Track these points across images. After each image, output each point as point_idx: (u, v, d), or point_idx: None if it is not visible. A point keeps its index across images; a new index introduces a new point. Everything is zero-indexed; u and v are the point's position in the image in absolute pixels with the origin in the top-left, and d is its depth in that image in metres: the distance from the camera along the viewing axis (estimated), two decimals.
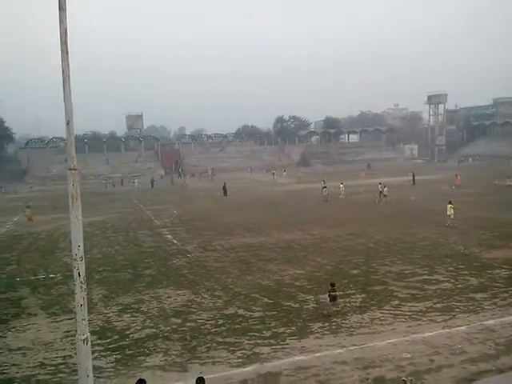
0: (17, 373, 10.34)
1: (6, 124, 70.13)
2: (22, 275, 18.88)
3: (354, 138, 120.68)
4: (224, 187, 45.32)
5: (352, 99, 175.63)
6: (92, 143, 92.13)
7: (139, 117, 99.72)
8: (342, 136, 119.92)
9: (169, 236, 26.36)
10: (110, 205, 41.54)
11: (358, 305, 13.64)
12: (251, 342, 11.36)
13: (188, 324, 12.77)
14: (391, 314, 12.84)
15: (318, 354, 10.55)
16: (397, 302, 13.67)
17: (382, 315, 12.76)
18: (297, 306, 13.80)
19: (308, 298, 14.41)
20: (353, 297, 14.32)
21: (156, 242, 24.74)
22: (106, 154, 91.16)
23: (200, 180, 73.14)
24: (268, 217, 31.45)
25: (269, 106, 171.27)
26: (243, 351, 10.91)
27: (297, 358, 10.39)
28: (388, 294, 14.41)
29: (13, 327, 13.15)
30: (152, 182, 64.30)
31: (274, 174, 68.35)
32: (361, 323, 12.28)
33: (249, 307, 13.86)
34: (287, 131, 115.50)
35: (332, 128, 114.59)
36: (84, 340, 4.84)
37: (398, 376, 9.26)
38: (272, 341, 11.39)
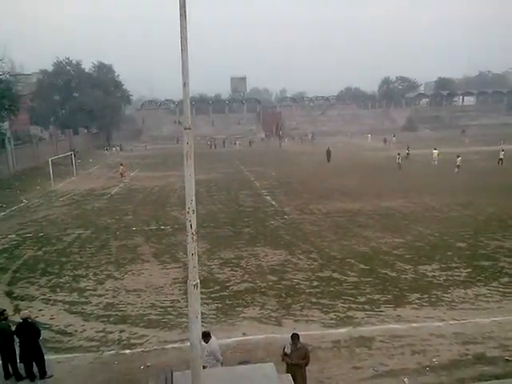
0: (132, 311, 11.69)
1: (124, 87, 75.91)
2: (137, 225, 20.92)
3: (470, 100, 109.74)
4: (328, 151, 44.53)
5: (470, 57, 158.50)
6: (199, 105, 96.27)
7: (243, 79, 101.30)
8: (455, 99, 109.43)
9: (267, 197, 27.04)
10: (214, 165, 43.55)
11: (461, 279, 12.92)
12: (345, 306, 11.47)
13: (283, 282, 13.23)
14: (499, 291, 11.98)
15: (414, 325, 10.33)
16: (506, 280, 12.69)
17: (488, 292, 11.97)
18: (394, 274, 13.49)
19: (407, 267, 13.99)
20: (456, 270, 13.58)
21: (255, 203, 25.57)
22: (211, 115, 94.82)
23: (300, 143, 72.98)
24: (368, 183, 30.54)
25: (374, 67, 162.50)
26: (336, 313, 11.08)
27: (391, 326, 10.29)
28: (497, 271, 13.41)
29: (129, 271, 14.77)
30: (250, 142, 69.85)
31: (385, 140, 63.80)
32: (464, 298, 11.67)
33: (344, 271, 13.89)
34: (393, 93, 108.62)
35: (445, 90, 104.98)
36: (194, 285, 5.30)
37: (500, 355, 8.73)
38: (366, 306, 11.37)
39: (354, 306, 11.47)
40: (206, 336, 7.79)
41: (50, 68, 67.26)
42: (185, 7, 4.81)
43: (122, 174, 36.84)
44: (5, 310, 9.29)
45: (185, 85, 5.12)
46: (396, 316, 10.83)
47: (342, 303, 11.64)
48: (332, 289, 12.61)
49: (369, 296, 11.99)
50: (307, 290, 12.57)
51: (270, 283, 13.21)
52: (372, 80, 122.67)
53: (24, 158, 41.51)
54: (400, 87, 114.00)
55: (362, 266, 14.33)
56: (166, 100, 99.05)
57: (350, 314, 11.04)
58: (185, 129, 5.22)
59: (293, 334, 7.73)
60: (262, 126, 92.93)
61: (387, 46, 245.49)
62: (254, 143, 71.24)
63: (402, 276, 13.35)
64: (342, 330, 10.21)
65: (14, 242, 18.48)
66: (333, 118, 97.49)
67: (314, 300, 11.90)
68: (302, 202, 24.93)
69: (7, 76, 36.76)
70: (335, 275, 13.65)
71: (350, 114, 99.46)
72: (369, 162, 42.69)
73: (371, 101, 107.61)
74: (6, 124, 40.82)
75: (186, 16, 4.81)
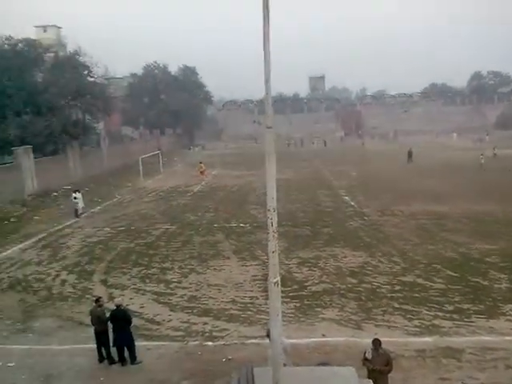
0: (214, 305, 12.12)
1: (206, 88, 78.80)
2: (218, 222, 21.64)
3: None
4: (409, 151, 42.78)
5: None
6: (277, 105, 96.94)
7: (321, 78, 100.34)
8: None
9: (346, 197, 26.54)
10: (292, 164, 43.58)
11: None
12: (431, 313, 10.93)
13: (363, 285, 12.93)
14: None
15: (508, 338, 9.58)
16: None
17: None
18: (486, 283, 12.59)
19: (501, 276, 12.97)
20: None
21: (334, 203, 25.22)
22: (288, 115, 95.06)
23: (381, 142, 70.57)
24: (456, 185, 28.77)
25: (463, 61, 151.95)
26: (421, 321, 10.60)
27: (483, 338, 9.64)
28: None
29: (211, 266, 15.31)
30: (325, 142, 69.59)
31: (479, 139, 60.12)
32: None
33: (429, 277, 13.22)
34: (484, 89, 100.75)
35: None
36: (275, 283, 5.37)
37: None
38: (455, 316, 10.74)
39: (440, 314, 10.89)
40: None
41: (139, 72, 71.77)
42: (267, 7, 4.89)
43: (201, 172, 38.24)
44: (100, 298, 10.13)
45: (266, 82, 5.19)
46: (488, 328, 10.10)
47: (427, 310, 11.10)
48: (416, 295, 12.07)
49: (457, 305, 11.30)
50: (389, 295, 12.16)
51: (350, 285, 12.98)
52: (460, 76, 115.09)
53: (117, 156, 44.80)
54: (492, 82, 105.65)
55: (450, 272, 13.54)
56: (246, 100, 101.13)
57: (436, 322, 10.50)
58: (266, 127, 5.31)
59: (374, 339, 7.54)
60: (340, 125, 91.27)
61: (478, 38, 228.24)
62: (332, 142, 70.32)
63: (496, 285, 12.41)
64: (428, 339, 9.75)
65: (109, 235, 20.03)
66: (416, 115, 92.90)
67: (396, 305, 11.49)
68: (383, 203, 24.12)
69: (101, 80, 39.87)
70: (419, 281, 13.05)
71: (435, 111, 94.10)
72: (452, 163, 40.13)
73: (460, 96, 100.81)
74: (101, 124, 44.36)
75: (268, 13, 4.88)
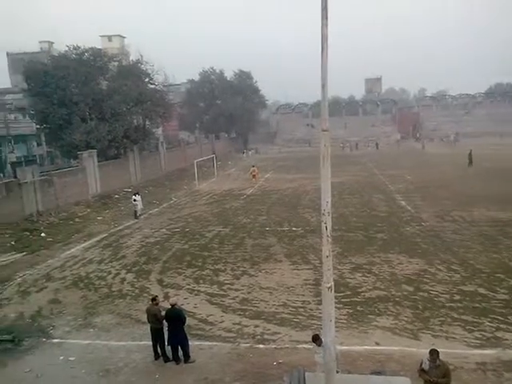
0: (265, 308, 12.20)
1: (261, 92, 79.43)
2: (270, 226, 21.73)
3: None
4: (469, 154, 40.72)
5: None
6: (332, 107, 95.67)
7: (378, 80, 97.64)
8: None
9: (402, 202, 25.71)
10: (347, 167, 42.86)
11: None
12: (493, 325, 10.36)
13: (420, 293, 12.47)
14: None
15: None
16: None
17: None
18: None
19: None
20: None
21: (389, 207, 24.53)
22: (343, 117, 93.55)
23: (440, 145, 67.67)
24: None
25: None
26: (482, 333, 10.07)
27: None
28: None
29: (263, 269, 15.41)
30: (377, 145, 69.99)
31: None
32: None
33: (492, 287, 12.53)
34: None
35: None
36: (329, 288, 5.35)
37: None
38: None
39: (503, 326, 10.28)
40: (318, 339, 7.37)
41: (196, 78, 73.68)
42: (326, 9, 4.90)
43: (254, 176, 38.50)
44: (156, 296, 10.51)
45: (323, 86, 5.21)
46: None
47: (490, 322, 10.52)
48: (477, 305, 11.48)
49: None
50: (448, 304, 11.65)
51: (405, 293, 12.57)
52: None
53: (174, 159, 46.29)
54: None
55: None
56: (300, 104, 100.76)
57: (498, 334, 9.93)
58: (322, 130, 5.31)
59: (432, 349, 7.25)
60: (397, 128, 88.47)
61: None
62: (387, 146, 68.48)
63: None
64: (489, 352, 9.24)
65: (165, 236, 20.74)
66: (479, 117, 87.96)
67: (455, 316, 10.98)
68: (442, 209, 23.13)
69: (161, 86, 41.35)
70: (481, 290, 12.39)
71: (501, 112, 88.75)
72: None
73: None
74: (159, 130, 45.91)
75: (327, 17, 4.89)
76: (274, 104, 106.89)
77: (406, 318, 11.03)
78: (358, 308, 11.79)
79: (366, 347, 9.77)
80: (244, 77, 75.28)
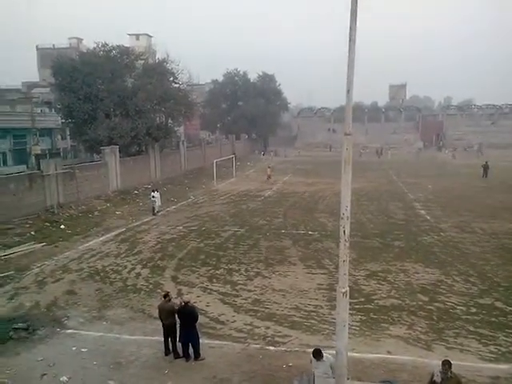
0: (277, 310, 12.17)
1: (284, 95, 79.40)
2: (286, 228, 21.68)
3: None
4: (485, 165, 39.99)
5: None
6: (354, 113, 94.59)
7: (403, 86, 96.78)
8: None
9: (422, 211, 25.34)
10: (366, 174, 42.46)
11: None
12: (508, 340, 10.15)
13: (435, 304, 12.28)
14: None
15: None
16: None
17: None
18: None
19: None
20: None
21: (407, 216, 24.21)
22: (365, 124, 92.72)
23: (463, 155, 66.41)
24: None
25: None
26: (498, 347, 9.87)
27: None
28: None
29: (276, 271, 15.38)
30: (381, 152, 69.22)
31: None
32: None
33: (510, 301, 12.28)
34: None
35: None
36: (344, 293, 5.31)
37: None
38: None
39: None
40: (319, 354, 7.27)
41: (220, 79, 74.14)
42: (356, 12, 4.89)
43: (269, 176, 38.57)
44: (168, 293, 10.57)
45: (348, 91, 5.20)
46: None
47: (505, 336, 10.30)
48: (494, 319, 11.24)
49: None
50: (463, 317, 11.44)
51: (420, 303, 12.39)
52: None
53: (193, 158, 46.62)
54: None
55: None
56: (322, 108, 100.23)
57: None
58: (345, 134, 5.29)
59: (444, 360, 7.14)
60: (420, 136, 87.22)
61: None
62: (408, 154, 67.61)
63: None
64: (504, 366, 9.05)
65: (181, 233, 20.90)
66: (505, 128, 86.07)
67: (471, 328, 10.78)
68: (462, 220, 22.72)
69: (185, 86, 41.70)
70: (498, 304, 12.13)
71: None
72: None
73: None
74: (181, 128, 46.26)
75: (356, 20, 4.87)
76: (296, 107, 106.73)
77: (419, 328, 10.87)
78: (372, 315, 11.67)
79: (378, 355, 9.65)
80: (267, 79, 75.39)
